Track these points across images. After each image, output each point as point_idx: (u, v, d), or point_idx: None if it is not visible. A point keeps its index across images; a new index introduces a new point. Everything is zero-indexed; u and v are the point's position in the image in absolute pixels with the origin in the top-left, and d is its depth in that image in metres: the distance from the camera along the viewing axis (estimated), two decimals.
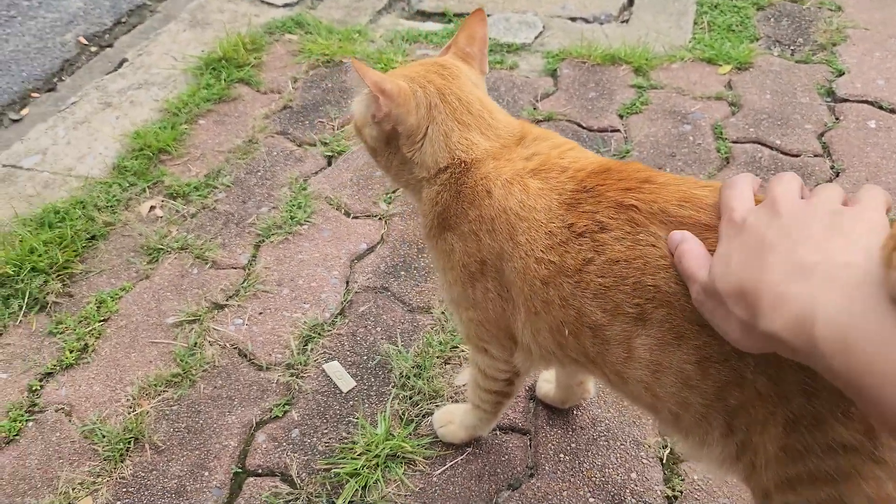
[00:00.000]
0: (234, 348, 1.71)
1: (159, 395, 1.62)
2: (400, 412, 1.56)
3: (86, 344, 1.73)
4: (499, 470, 1.46)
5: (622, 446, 1.49)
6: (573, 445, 1.49)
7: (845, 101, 2.38)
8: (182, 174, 2.22)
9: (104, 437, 1.53)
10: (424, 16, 3.02)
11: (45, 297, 1.84)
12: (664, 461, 1.46)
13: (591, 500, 1.40)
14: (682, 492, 1.41)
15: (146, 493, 1.45)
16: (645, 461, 1.46)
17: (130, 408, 1.60)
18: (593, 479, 1.43)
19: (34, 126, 2.48)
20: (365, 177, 2.17)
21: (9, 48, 3.05)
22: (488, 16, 1.42)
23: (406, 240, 1.97)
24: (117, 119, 2.47)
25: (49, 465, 1.50)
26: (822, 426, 0.79)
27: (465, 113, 1.16)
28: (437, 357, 1.65)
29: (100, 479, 1.47)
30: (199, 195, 2.13)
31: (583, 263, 0.97)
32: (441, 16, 3.00)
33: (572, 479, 1.43)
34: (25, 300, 1.83)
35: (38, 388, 1.65)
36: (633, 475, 1.43)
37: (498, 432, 1.52)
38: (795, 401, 0.80)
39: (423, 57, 2.59)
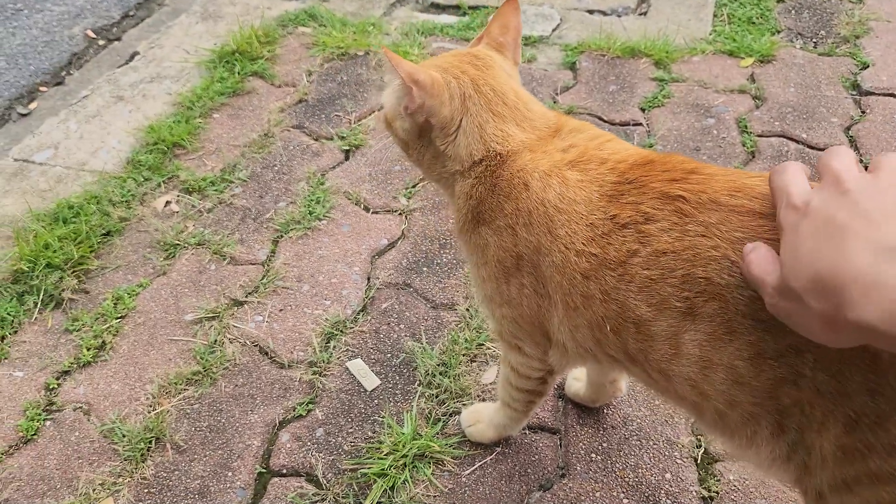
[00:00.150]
0: (255, 346, 1.68)
1: (180, 393, 1.58)
2: (426, 411, 1.52)
3: (103, 341, 1.70)
4: (529, 470, 1.42)
5: (655, 446, 1.45)
6: (605, 445, 1.45)
7: (871, 94, 2.34)
8: (197, 169, 2.18)
9: (124, 436, 1.50)
10: (439, 8, 2.98)
11: (60, 294, 1.80)
12: (699, 461, 1.42)
13: (625, 500, 1.37)
14: (717, 492, 1.37)
15: (168, 493, 1.42)
16: (679, 461, 1.42)
17: (150, 406, 1.56)
18: (626, 479, 1.40)
19: (45, 120, 2.45)
20: (383, 171, 2.14)
21: (16, 41, 3.01)
22: None
23: (427, 235, 1.93)
24: (130, 113, 2.43)
25: (68, 466, 1.47)
26: (885, 425, 0.76)
27: (499, 104, 1.13)
28: (463, 354, 1.62)
29: (121, 480, 1.44)
30: (215, 190, 2.10)
31: (627, 255, 0.94)
32: (455, 8, 2.96)
33: (605, 480, 1.40)
34: (41, 297, 1.79)
35: (56, 386, 1.62)
36: (668, 475, 1.40)
37: (527, 431, 1.49)
38: (858, 399, 0.77)
39: (439, 50, 2.56)
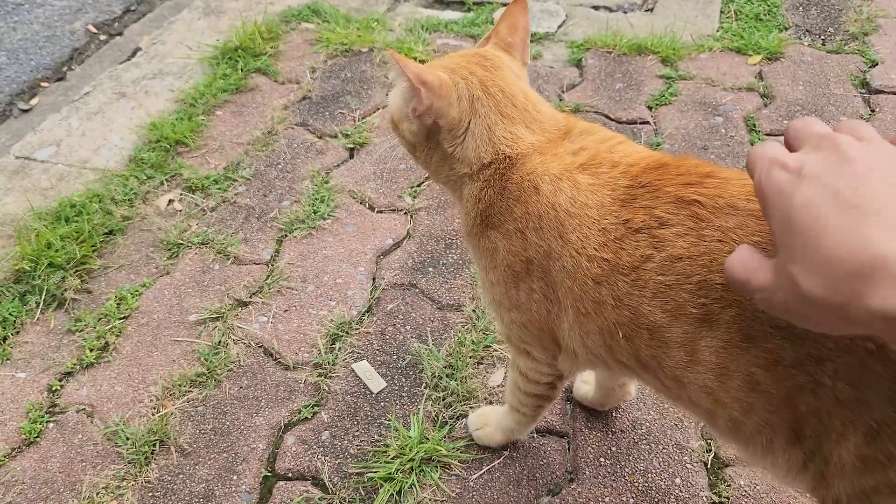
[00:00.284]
0: (260, 347, 1.66)
1: (184, 395, 1.57)
2: (433, 414, 1.51)
3: (106, 342, 1.68)
4: (537, 474, 1.41)
5: (665, 450, 1.44)
6: (614, 449, 1.44)
7: (880, 92, 2.32)
8: (200, 167, 2.16)
9: (128, 439, 1.49)
10: (443, 4, 2.96)
11: (63, 294, 1.79)
12: (709, 466, 1.41)
13: None
14: (728, 497, 1.36)
15: (173, 497, 1.40)
16: (689, 466, 1.41)
17: (154, 409, 1.55)
18: (636, 484, 1.38)
19: (46, 117, 2.43)
20: (388, 170, 2.12)
21: (17, 37, 2.99)
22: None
23: (433, 235, 1.91)
24: (132, 110, 2.41)
25: (71, 469, 1.46)
26: None
27: (508, 105, 1.11)
28: (470, 357, 1.60)
29: (125, 483, 1.43)
30: (218, 188, 2.08)
31: (641, 261, 0.93)
32: (460, 4, 2.93)
33: (614, 485, 1.38)
34: (43, 297, 1.78)
35: (59, 387, 1.60)
36: (678, 480, 1.38)
37: (535, 435, 1.47)
38: (879, 409, 0.75)
39: (443, 46, 2.53)
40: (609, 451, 1.44)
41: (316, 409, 1.53)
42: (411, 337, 1.66)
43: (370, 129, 2.27)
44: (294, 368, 1.61)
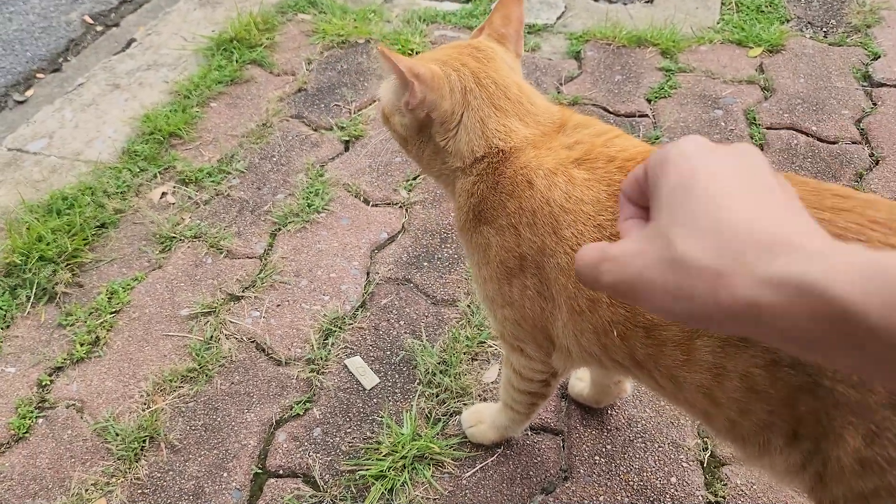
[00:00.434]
0: (252, 342, 1.65)
1: (174, 391, 1.55)
2: (426, 411, 1.49)
3: (97, 337, 1.66)
4: (531, 472, 1.39)
5: (660, 448, 1.42)
6: (609, 447, 1.42)
7: (883, 85, 2.29)
8: (194, 159, 2.14)
9: (118, 435, 1.47)
10: None
11: (53, 288, 1.77)
12: (705, 464, 1.39)
13: None
14: (724, 497, 1.34)
15: (162, 494, 1.39)
16: (685, 464, 1.39)
17: (145, 404, 1.53)
18: (631, 483, 1.37)
19: (40, 108, 2.41)
20: (384, 163, 2.09)
21: (12, 27, 2.96)
22: None
23: (428, 229, 1.89)
24: (126, 101, 2.39)
25: (61, 465, 1.44)
26: None
27: (502, 98, 1.09)
28: (465, 353, 1.58)
29: (114, 480, 1.41)
30: (212, 181, 2.06)
31: None
32: None
33: (609, 483, 1.36)
34: (34, 290, 1.76)
35: (48, 382, 1.59)
36: (673, 479, 1.37)
37: (529, 433, 1.45)
38: (880, 412, 0.73)
39: (441, 38, 2.51)
40: (604, 450, 1.42)
41: (308, 405, 1.52)
42: (405, 332, 1.64)
43: (366, 122, 2.25)
44: (286, 364, 1.60)
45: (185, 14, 2.84)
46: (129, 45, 2.74)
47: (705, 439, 1.43)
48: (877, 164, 2.00)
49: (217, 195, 2.02)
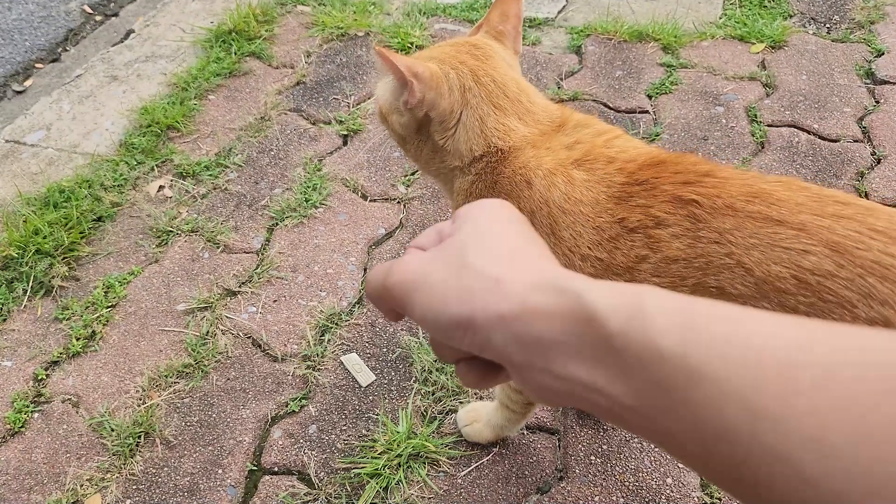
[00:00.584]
0: (248, 338, 1.64)
1: (170, 386, 1.55)
2: (422, 409, 1.49)
3: (93, 331, 1.66)
4: (527, 472, 1.39)
5: (656, 449, 1.41)
6: (604, 447, 1.42)
7: (886, 82, 2.27)
8: (192, 152, 2.13)
9: (113, 430, 1.47)
10: None
11: (50, 281, 1.76)
12: None
13: None
14: (720, 498, 1.34)
15: (157, 490, 1.39)
16: (681, 465, 1.39)
17: (140, 400, 1.53)
18: (626, 483, 1.36)
19: (38, 100, 2.39)
20: (382, 158, 2.08)
21: (12, 17, 2.95)
22: None
23: (426, 225, 1.88)
24: (124, 93, 2.37)
25: (56, 460, 1.44)
26: None
27: (500, 96, 1.09)
28: None
29: (109, 476, 1.41)
30: (209, 175, 2.05)
31: (635, 261, 0.91)
32: None
33: (604, 483, 1.36)
34: (30, 284, 1.75)
35: (44, 377, 1.58)
36: (669, 480, 1.36)
37: (525, 432, 1.45)
38: None
39: (441, 31, 2.49)
40: (600, 450, 1.41)
41: (303, 402, 1.51)
42: (401, 330, 1.64)
43: (364, 116, 2.23)
44: (282, 360, 1.59)
45: (183, 5, 2.83)
46: (127, 35, 2.73)
47: None
48: (878, 163, 1.99)
49: (214, 189, 2.01)
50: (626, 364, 0.35)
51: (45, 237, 1.82)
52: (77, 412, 1.52)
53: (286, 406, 1.51)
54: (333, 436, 1.45)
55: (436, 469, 1.40)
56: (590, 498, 1.34)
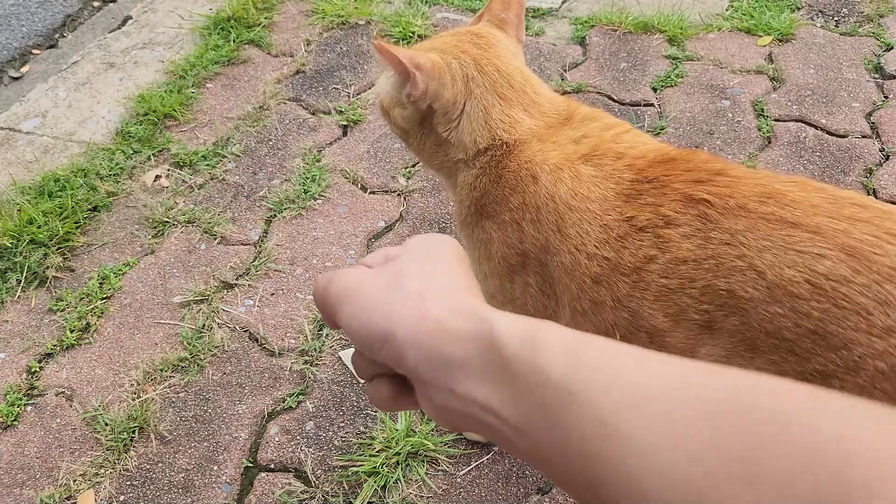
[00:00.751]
0: (245, 332, 1.61)
1: (165, 380, 1.52)
2: None
3: (87, 323, 1.63)
4: (527, 472, 1.36)
5: None
6: None
7: (895, 77, 2.24)
8: (189, 142, 2.09)
9: (107, 424, 1.45)
10: None
11: (44, 272, 1.73)
12: None
13: None
14: None
15: (151, 486, 1.36)
16: None
17: (135, 394, 1.50)
18: None
19: (34, 86, 2.36)
20: (382, 149, 2.05)
21: (9, 2, 2.90)
22: None
23: (427, 218, 1.85)
24: (121, 81, 2.34)
25: (49, 454, 1.42)
26: None
27: (505, 86, 1.06)
28: None
29: (102, 471, 1.39)
30: (207, 165, 2.01)
31: (643, 261, 0.89)
32: None
33: None
34: (24, 274, 1.72)
35: (38, 369, 1.56)
36: None
37: None
38: None
39: (443, 21, 2.45)
40: None
41: (301, 397, 1.49)
42: None
43: (365, 106, 2.20)
44: (279, 355, 1.57)
45: None
46: (125, 22, 2.68)
47: None
48: (887, 159, 1.96)
49: (212, 179, 1.98)
50: (518, 387, 0.37)
51: (39, 227, 1.79)
52: (71, 406, 1.49)
53: (283, 402, 1.48)
54: (331, 433, 1.43)
55: (435, 468, 1.37)
56: None
